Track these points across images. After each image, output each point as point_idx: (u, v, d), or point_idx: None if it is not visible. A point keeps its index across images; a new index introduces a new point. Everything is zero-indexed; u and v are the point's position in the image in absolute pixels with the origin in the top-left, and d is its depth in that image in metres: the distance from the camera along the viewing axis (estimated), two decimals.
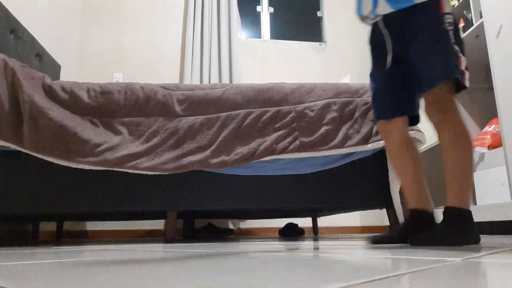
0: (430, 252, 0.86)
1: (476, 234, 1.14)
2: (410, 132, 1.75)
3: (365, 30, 3.96)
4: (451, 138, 1.19)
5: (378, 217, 3.45)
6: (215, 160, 1.75)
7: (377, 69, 1.34)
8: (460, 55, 1.17)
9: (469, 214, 1.17)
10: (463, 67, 1.16)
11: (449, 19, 1.19)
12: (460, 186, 1.17)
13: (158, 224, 3.11)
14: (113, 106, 1.78)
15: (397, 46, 1.28)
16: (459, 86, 1.20)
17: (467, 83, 1.16)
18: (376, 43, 1.34)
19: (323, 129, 1.81)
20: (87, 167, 1.67)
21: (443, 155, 1.21)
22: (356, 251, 0.92)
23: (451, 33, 1.18)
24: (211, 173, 1.79)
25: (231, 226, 3.24)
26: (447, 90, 1.18)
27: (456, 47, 1.17)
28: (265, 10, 4.04)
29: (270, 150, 1.78)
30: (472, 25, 2.40)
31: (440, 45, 1.17)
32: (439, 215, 2.57)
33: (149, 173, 1.72)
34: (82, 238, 3.02)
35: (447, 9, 1.20)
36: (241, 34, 3.81)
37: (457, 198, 1.17)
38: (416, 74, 1.23)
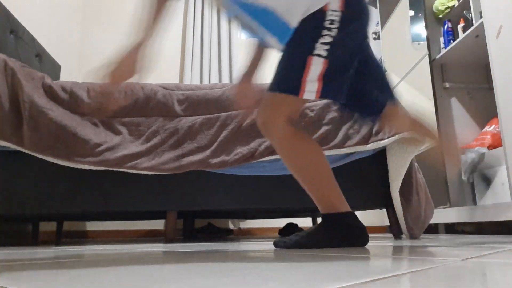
0: (430, 252, 0.86)
1: (360, 234, 1.10)
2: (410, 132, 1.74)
3: None
4: (281, 151, 1.12)
5: (378, 217, 3.45)
6: (215, 160, 1.75)
7: None
8: (314, 60, 1.02)
9: (344, 216, 1.11)
10: (310, 76, 1.02)
11: (333, 16, 1.02)
12: (318, 192, 1.12)
13: (158, 224, 3.11)
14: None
15: None
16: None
17: (306, 96, 1.03)
18: None
19: (323, 129, 1.81)
20: (87, 167, 1.67)
21: (288, 167, 1.15)
22: (356, 251, 0.92)
23: (325, 32, 1.02)
24: (211, 173, 1.79)
25: (231, 226, 3.24)
26: (280, 101, 1.08)
27: (319, 50, 1.02)
28: None
29: (270, 150, 1.78)
30: (472, 25, 2.40)
31: (290, 53, 1.08)
32: (439, 215, 2.56)
33: (149, 173, 1.72)
34: (82, 238, 3.02)
35: (332, 6, 1.03)
36: (241, 34, 3.80)
37: (323, 205, 1.13)
38: None
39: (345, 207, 1.13)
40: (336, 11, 1.03)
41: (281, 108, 1.08)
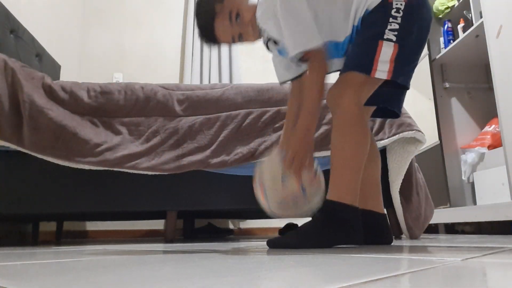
0: (430, 252, 0.86)
1: (355, 233, 1.09)
2: (410, 132, 1.74)
3: None
4: (338, 124, 1.14)
5: None
6: (215, 160, 1.75)
7: None
8: (384, 44, 1.10)
9: (341, 209, 1.09)
10: (382, 57, 1.09)
11: (397, 5, 1.12)
12: (340, 177, 1.11)
13: (158, 224, 3.11)
14: (113, 106, 1.78)
15: None
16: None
17: (378, 75, 1.09)
18: None
19: (323, 129, 1.81)
20: (87, 167, 1.67)
21: (331, 142, 1.16)
22: (356, 251, 0.92)
23: (392, 20, 1.12)
24: (211, 173, 1.79)
25: (231, 226, 3.24)
26: (349, 79, 1.14)
27: (388, 35, 1.11)
28: None
29: (270, 150, 1.78)
30: (472, 25, 2.40)
31: (361, 38, 1.15)
32: (439, 215, 2.56)
33: (149, 173, 1.72)
34: (82, 238, 3.02)
35: None
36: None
37: (332, 190, 1.11)
38: None
39: (352, 202, 1.11)
40: (400, 1, 1.13)
41: (352, 85, 1.13)
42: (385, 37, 1.10)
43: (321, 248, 1.05)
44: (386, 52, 1.10)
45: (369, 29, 1.14)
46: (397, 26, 1.11)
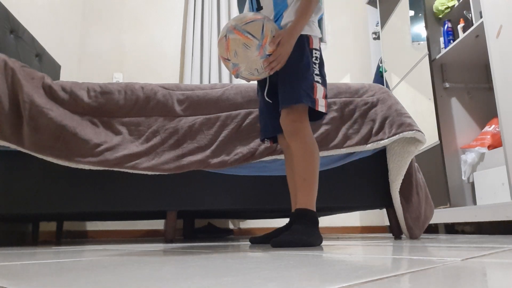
0: (430, 252, 0.86)
1: (319, 235, 1.28)
2: (410, 132, 1.74)
3: (365, 30, 3.96)
4: (301, 145, 1.33)
5: (378, 217, 3.45)
6: (215, 160, 1.75)
7: (260, 93, 1.54)
8: (317, 85, 1.35)
9: (315, 215, 1.31)
10: (318, 95, 1.34)
11: (316, 54, 1.38)
12: (309, 189, 1.31)
13: (158, 224, 3.11)
14: (113, 106, 1.78)
15: (272, 75, 1.41)
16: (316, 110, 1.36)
17: (320, 109, 1.34)
18: None
19: (323, 129, 1.81)
20: (87, 167, 1.67)
21: (295, 160, 1.34)
22: (356, 251, 0.92)
23: (314, 66, 1.37)
24: (211, 173, 1.79)
25: (231, 226, 3.24)
26: (299, 109, 1.33)
27: (317, 78, 1.36)
28: None
29: (270, 150, 1.78)
30: (472, 25, 2.40)
31: (298, 75, 1.33)
32: (439, 215, 2.56)
33: (149, 173, 1.72)
34: (82, 238, 3.02)
35: (315, 46, 1.38)
36: None
37: (306, 200, 1.30)
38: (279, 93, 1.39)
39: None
40: (316, 50, 1.39)
41: (304, 117, 1.35)
42: (315, 79, 1.35)
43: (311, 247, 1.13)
44: (320, 91, 1.35)
45: (301, 70, 1.34)
46: (318, 72, 1.37)
